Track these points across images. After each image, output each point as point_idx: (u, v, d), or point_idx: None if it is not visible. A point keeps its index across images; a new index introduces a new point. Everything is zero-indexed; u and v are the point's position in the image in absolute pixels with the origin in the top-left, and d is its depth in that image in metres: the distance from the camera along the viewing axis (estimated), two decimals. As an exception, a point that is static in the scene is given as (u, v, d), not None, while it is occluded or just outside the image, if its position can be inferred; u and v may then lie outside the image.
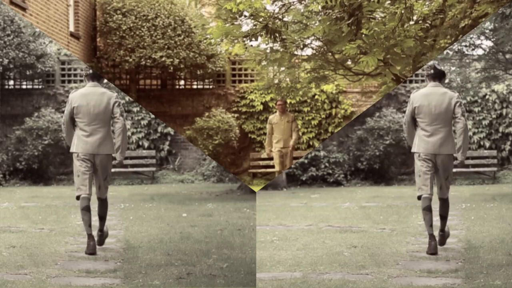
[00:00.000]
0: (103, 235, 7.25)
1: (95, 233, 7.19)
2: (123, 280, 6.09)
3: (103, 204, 7.13)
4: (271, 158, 12.52)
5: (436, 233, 7.27)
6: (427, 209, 6.84)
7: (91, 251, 6.84)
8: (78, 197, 6.82)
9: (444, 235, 7.29)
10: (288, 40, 9.91)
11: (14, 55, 13.78)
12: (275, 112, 12.25)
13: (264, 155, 15.44)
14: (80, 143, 6.80)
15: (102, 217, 7.16)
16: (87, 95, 6.79)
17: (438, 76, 6.85)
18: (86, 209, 6.79)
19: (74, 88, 15.15)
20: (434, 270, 6.41)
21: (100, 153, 6.83)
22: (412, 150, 6.94)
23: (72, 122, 6.87)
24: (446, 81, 9.45)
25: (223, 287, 6.02)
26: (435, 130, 6.75)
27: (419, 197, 6.90)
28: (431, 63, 6.95)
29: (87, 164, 6.82)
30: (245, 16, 9.74)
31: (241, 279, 6.19)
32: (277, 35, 9.68)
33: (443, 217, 7.16)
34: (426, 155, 6.81)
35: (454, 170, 11.81)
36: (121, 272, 6.33)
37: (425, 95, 6.79)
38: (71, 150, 6.89)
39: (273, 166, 12.79)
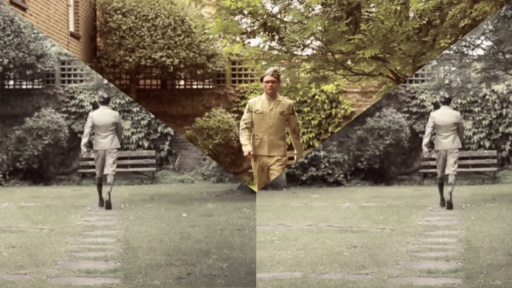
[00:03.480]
0: (109, 196, 10.51)
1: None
2: (123, 280, 6.09)
3: (111, 176, 10.64)
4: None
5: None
6: (440, 183, 10.89)
7: (102, 205, 10.59)
8: (97, 176, 10.82)
9: (451, 196, 10.49)
10: (286, 39, 9.89)
11: (14, 55, 13.78)
12: (261, 94, 7.77)
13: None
14: (97, 144, 10.73)
15: (110, 183, 10.56)
16: (101, 114, 10.78)
17: (447, 101, 10.86)
18: (99, 183, 10.74)
19: (75, 88, 15.16)
20: (434, 270, 6.41)
21: (109, 148, 10.69)
22: (436, 148, 10.82)
23: (91, 129, 10.74)
24: (446, 81, 9.80)
25: (223, 287, 6.02)
26: (447, 135, 10.69)
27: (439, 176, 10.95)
28: (442, 93, 10.95)
29: (101, 156, 10.67)
30: (244, 14, 9.74)
31: (241, 279, 6.19)
32: (275, 33, 9.67)
33: (451, 183, 10.54)
34: (442, 150, 10.70)
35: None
36: (121, 272, 6.33)
37: (441, 114, 10.81)
38: (94, 148, 10.76)
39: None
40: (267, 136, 7.40)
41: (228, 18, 9.73)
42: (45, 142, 14.17)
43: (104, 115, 10.83)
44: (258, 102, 7.53)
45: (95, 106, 14.34)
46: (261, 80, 7.60)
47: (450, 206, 10.38)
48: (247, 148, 7.41)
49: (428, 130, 10.84)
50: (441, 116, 10.78)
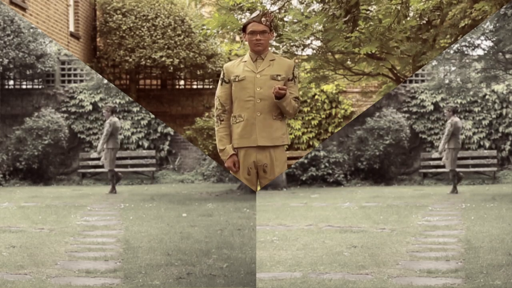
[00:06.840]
0: (119, 178, 12.32)
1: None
2: (123, 280, 6.09)
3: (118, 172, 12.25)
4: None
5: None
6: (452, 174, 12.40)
7: (112, 191, 11.99)
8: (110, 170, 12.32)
9: (459, 177, 12.59)
10: (284, 36, 9.89)
11: (14, 55, 13.78)
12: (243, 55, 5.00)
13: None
14: (110, 142, 12.29)
15: (119, 177, 12.37)
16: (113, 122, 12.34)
17: (456, 111, 12.63)
18: (112, 174, 12.07)
19: (75, 88, 15.17)
20: (434, 270, 6.41)
21: (118, 146, 12.25)
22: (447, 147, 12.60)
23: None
24: (446, 81, 9.81)
25: (223, 287, 6.02)
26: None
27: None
28: (451, 105, 13.33)
29: (113, 152, 12.17)
30: (243, 10, 9.73)
31: (241, 279, 6.19)
32: (273, 30, 9.67)
33: (461, 176, 12.59)
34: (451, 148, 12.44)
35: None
36: (121, 272, 6.33)
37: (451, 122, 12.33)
38: (106, 147, 12.29)
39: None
40: (256, 115, 4.61)
41: (227, 15, 9.73)
42: (45, 142, 14.17)
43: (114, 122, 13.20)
44: (238, 64, 4.77)
45: (95, 106, 14.44)
46: (243, 30, 4.78)
47: (459, 179, 12.87)
48: (226, 153, 4.67)
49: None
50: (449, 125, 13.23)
